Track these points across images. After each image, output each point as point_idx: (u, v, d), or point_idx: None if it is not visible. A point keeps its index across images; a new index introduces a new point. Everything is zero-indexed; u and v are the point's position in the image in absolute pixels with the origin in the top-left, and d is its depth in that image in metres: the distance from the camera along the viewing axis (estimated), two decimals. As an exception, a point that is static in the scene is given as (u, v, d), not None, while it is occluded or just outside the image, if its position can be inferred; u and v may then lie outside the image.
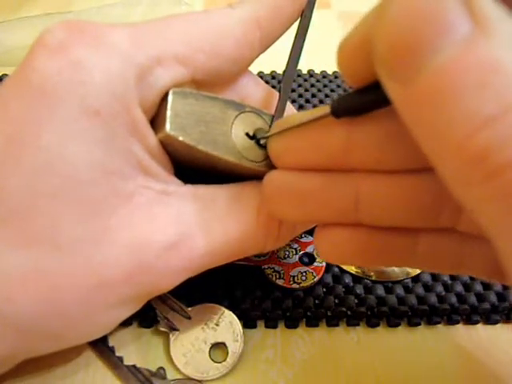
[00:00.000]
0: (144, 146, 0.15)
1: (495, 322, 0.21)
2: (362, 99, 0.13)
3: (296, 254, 0.22)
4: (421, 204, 0.14)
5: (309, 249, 0.22)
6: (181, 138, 0.15)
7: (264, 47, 0.18)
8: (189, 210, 0.16)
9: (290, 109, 0.19)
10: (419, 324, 0.21)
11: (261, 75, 0.34)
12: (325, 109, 0.14)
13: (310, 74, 0.34)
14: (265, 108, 0.18)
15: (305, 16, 0.18)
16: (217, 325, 0.20)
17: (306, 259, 0.22)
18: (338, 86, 0.33)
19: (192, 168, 0.18)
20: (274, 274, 0.21)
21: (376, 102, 0.12)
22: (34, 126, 0.14)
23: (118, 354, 0.19)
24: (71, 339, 0.16)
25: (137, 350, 0.20)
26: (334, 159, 0.14)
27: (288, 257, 0.22)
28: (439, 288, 0.22)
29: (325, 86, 0.33)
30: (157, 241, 0.15)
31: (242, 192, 0.17)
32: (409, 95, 0.10)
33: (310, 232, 0.23)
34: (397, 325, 0.21)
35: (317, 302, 0.21)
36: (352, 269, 0.22)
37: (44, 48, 0.14)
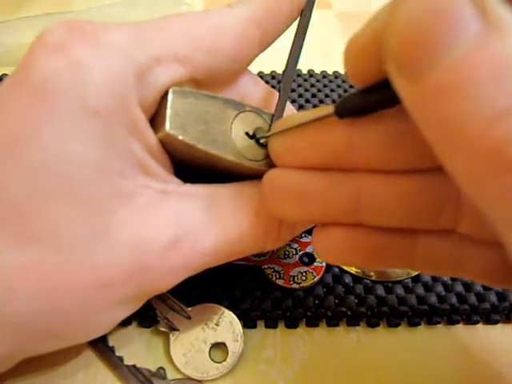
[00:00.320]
0: (144, 145, 0.15)
1: (495, 322, 0.21)
2: (366, 99, 0.13)
3: (296, 253, 0.22)
4: (421, 205, 0.14)
5: (309, 249, 0.22)
6: (180, 137, 0.15)
7: (263, 47, 0.18)
8: (188, 209, 0.16)
9: (290, 109, 0.19)
10: (419, 324, 0.21)
11: (261, 75, 0.34)
12: (327, 109, 0.14)
13: (310, 74, 0.34)
14: (264, 107, 0.18)
15: (304, 15, 0.18)
16: (217, 325, 0.20)
17: (305, 259, 0.22)
18: (338, 86, 0.33)
19: (192, 167, 0.18)
20: (274, 273, 0.21)
21: (380, 103, 0.12)
22: (34, 126, 0.14)
23: (118, 353, 0.19)
24: (71, 338, 0.16)
25: (137, 350, 0.20)
26: (335, 159, 0.14)
27: (288, 257, 0.22)
28: (439, 288, 0.22)
29: (325, 86, 0.33)
30: (156, 240, 0.15)
31: (241, 191, 0.17)
32: (420, 91, 0.10)
33: (310, 232, 0.23)
34: (397, 325, 0.21)
35: (317, 302, 0.21)
36: (352, 269, 0.22)
37: (44, 48, 0.14)
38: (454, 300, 0.21)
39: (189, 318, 0.20)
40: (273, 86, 0.32)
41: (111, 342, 0.19)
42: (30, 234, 0.14)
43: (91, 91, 0.14)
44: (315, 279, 0.21)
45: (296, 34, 0.18)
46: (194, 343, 0.19)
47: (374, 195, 0.14)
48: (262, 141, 0.17)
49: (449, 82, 0.09)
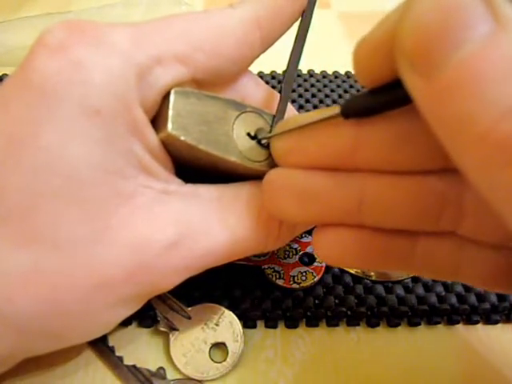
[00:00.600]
0: (145, 145, 0.15)
1: (495, 322, 0.21)
2: (373, 100, 0.13)
3: (296, 254, 0.22)
4: (423, 206, 0.14)
5: (309, 249, 0.22)
6: (182, 138, 0.15)
7: (264, 47, 0.18)
8: (189, 209, 0.16)
9: (290, 109, 0.19)
10: (419, 324, 0.21)
11: (261, 75, 0.34)
12: (333, 109, 0.14)
13: (310, 74, 0.34)
14: (265, 108, 0.18)
15: (305, 16, 0.18)
16: (217, 325, 0.20)
17: (306, 259, 0.22)
18: (338, 86, 0.33)
19: (193, 167, 0.18)
20: (274, 273, 0.21)
21: (388, 104, 0.13)
22: (35, 126, 0.14)
23: (117, 353, 0.19)
24: (71, 339, 0.16)
25: (137, 350, 0.20)
26: (339, 159, 0.14)
27: (288, 257, 0.22)
28: (439, 288, 0.22)
29: (325, 86, 0.33)
30: (157, 240, 0.15)
31: (242, 192, 0.17)
32: (433, 88, 0.10)
33: (310, 232, 0.23)
34: (397, 325, 0.21)
35: (317, 302, 0.21)
36: (352, 269, 0.22)
37: (44, 48, 0.14)
38: (453, 300, 0.21)
39: (189, 318, 0.20)
40: (273, 87, 0.32)
41: (111, 342, 0.19)
42: (30, 235, 0.14)
43: (92, 91, 0.14)
44: (315, 279, 0.21)
45: (297, 35, 0.18)
46: (193, 343, 0.19)
47: (377, 196, 0.14)
48: (263, 141, 0.17)
49: (461, 79, 0.09)
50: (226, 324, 0.20)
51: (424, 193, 0.14)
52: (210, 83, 0.17)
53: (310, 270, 0.22)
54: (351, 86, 0.33)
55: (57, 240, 0.14)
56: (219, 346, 0.20)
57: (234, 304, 0.20)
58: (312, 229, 0.23)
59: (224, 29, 0.17)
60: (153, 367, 0.19)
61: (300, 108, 0.31)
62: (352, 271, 0.22)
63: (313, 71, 0.35)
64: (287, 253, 0.22)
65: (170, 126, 0.15)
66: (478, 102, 0.09)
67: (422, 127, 0.12)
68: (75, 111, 0.14)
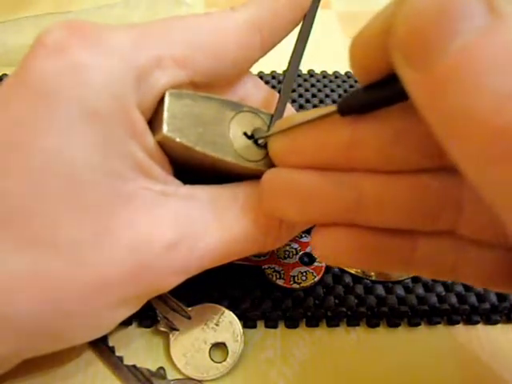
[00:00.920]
0: (143, 147, 0.15)
1: (495, 322, 0.21)
2: (369, 96, 0.13)
3: (296, 253, 0.22)
4: (421, 205, 0.14)
5: (309, 249, 0.22)
6: (178, 140, 0.15)
7: (265, 50, 0.18)
8: (188, 210, 0.16)
9: (289, 109, 0.19)
10: (419, 324, 0.21)
11: (261, 75, 0.34)
12: (330, 108, 0.14)
13: (310, 74, 0.34)
14: (265, 109, 0.18)
15: (307, 20, 0.18)
16: (217, 325, 0.20)
17: (306, 259, 0.22)
18: (338, 86, 0.33)
19: (191, 168, 0.18)
20: (274, 273, 0.21)
21: (383, 100, 0.12)
22: (33, 128, 0.14)
23: (118, 353, 0.19)
24: (72, 339, 0.16)
25: (137, 349, 0.20)
26: (337, 158, 0.14)
27: (288, 257, 0.22)
28: (439, 288, 0.22)
29: (325, 86, 0.33)
30: (157, 241, 0.15)
31: (240, 192, 0.17)
32: (427, 80, 0.10)
33: (310, 232, 0.23)
34: (397, 325, 0.21)
35: (317, 302, 0.21)
36: (352, 269, 0.22)
37: (43, 48, 0.14)
38: (453, 300, 0.21)
39: (189, 318, 0.20)
40: (273, 87, 0.32)
41: (111, 342, 0.19)
42: (30, 236, 0.14)
43: (90, 93, 0.14)
44: (315, 279, 0.21)
45: (298, 37, 0.18)
46: (193, 343, 0.19)
47: (374, 195, 0.14)
48: (260, 141, 0.17)
49: (458, 69, 0.09)
50: (226, 324, 0.20)
51: (421, 192, 0.14)
52: (209, 85, 0.17)
53: (310, 270, 0.22)
54: (351, 86, 0.33)
55: (56, 242, 0.14)
56: (219, 346, 0.20)
57: (234, 304, 0.20)
58: (312, 228, 0.23)
59: (224, 31, 0.17)
60: (153, 367, 0.19)
61: (300, 108, 0.31)
62: (352, 271, 0.22)
63: (313, 71, 0.35)
64: (287, 253, 0.22)
65: (165, 127, 0.15)
66: (475, 92, 0.09)
67: (418, 124, 0.12)
68: (74, 112, 0.14)
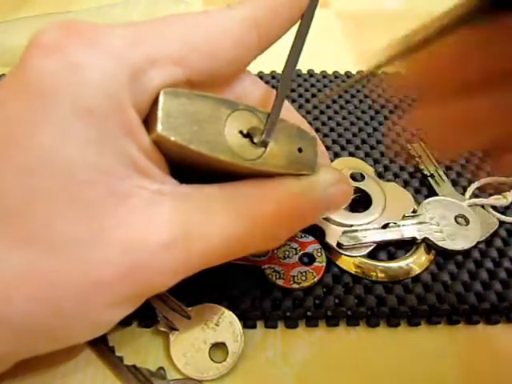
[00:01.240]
0: (138, 146, 0.15)
1: (495, 322, 0.21)
2: None
3: (296, 253, 0.22)
4: None
5: (309, 249, 0.22)
6: (173, 139, 0.15)
7: (262, 48, 0.18)
8: (184, 209, 0.16)
9: (288, 107, 0.19)
10: (419, 324, 0.21)
11: (261, 75, 0.34)
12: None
13: (310, 74, 0.34)
14: (263, 107, 0.18)
15: (305, 19, 0.18)
16: (217, 325, 0.20)
17: (305, 259, 0.22)
18: (338, 86, 0.33)
19: (187, 167, 0.18)
20: (274, 273, 0.21)
21: None
22: (29, 126, 0.14)
23: (117, 353, 0.19)
24: (70, 339, 0.16)
25: (137, 350, 0.20)
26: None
27: (288, 257, 0.22)
28: (439, 288, 0.22)
29: (325, 86, 0.33)
30: (152, 240, 0.15)
31: (237, 191, 0.17)
32: None
33: (310, 232, 0.23)
34: (397, 325, 0.21)
35: (317, 302, 0.21)
36: (352, 269, 0.22)
37: (39, 48, 0.14)
38: (453, 300, 0.21)
39: (189, 318, 0.20)
40: (273, 86, 0.32)
41: (111, 342, 0.19)
42: (25, 235, 0.14)
43: (85, 91, 0.14)
44: (315, 279, 0.21)
45: (296, 35, 0.18)
46: (193, 343, 0.19)
47: None
48: (255, 140, 0.17)
49: None
50: (226, 324, 0.20)
51: None
52: (206, 84, 0.17)
53: (310, 270, 0.22)
54: (351, 86, 0.33)
55: (52, 240, 0.14)
56: (219, 346, 0.20)
57: (234, 304, 0.20)
58: (312, 229, 0.23)
59: (221, 29, 0.17)
60: (153, 367, 0.19)
61: (300, 108, 0.31)
62: (352, 271, 0.22)
63: (312, 71, 0.35)
64: (287, 253, 0.22)
65: (159, 126, 0.15)
66: None
67: None
68: (69, 111, 0.14)
